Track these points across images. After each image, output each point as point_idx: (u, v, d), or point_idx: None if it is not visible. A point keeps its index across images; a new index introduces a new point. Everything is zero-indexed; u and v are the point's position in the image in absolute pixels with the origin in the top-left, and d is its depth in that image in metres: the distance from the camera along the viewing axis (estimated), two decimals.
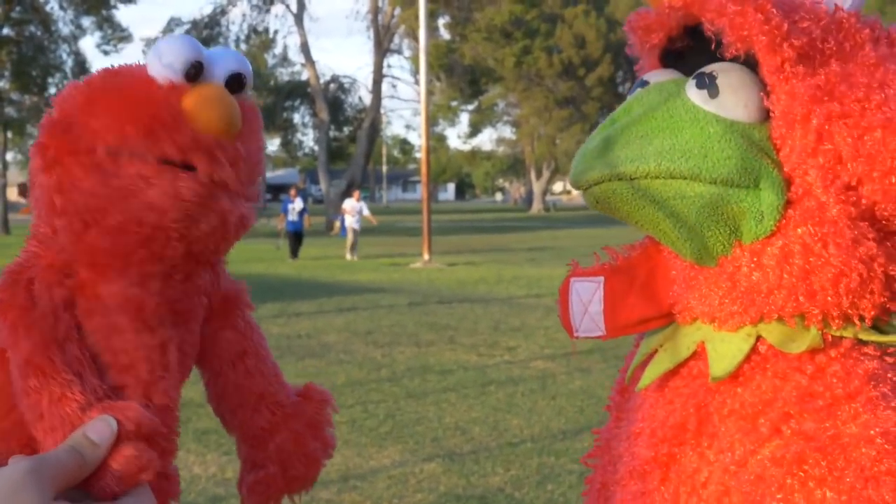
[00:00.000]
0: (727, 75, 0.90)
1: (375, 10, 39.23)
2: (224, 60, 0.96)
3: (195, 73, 0.93)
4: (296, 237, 22.91)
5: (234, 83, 0.97)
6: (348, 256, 22.98)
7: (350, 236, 23.40)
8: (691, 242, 0.90)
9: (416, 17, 25.72)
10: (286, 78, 60.87)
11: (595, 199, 0.94)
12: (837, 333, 0.87)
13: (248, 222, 0.99)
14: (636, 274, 1.01)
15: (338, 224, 25.68)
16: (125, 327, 0.93)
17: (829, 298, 0.84)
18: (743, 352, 0.89)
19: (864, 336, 0.87)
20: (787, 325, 0.88)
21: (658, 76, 0.98)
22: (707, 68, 0.91)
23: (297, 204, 23.36)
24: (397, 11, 39.43)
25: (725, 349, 0.90)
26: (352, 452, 5.84)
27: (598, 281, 1.02)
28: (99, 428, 0.83)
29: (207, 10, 42.90)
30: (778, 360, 0.87)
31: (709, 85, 0.90)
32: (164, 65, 0.92)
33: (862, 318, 0.86)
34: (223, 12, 40.31)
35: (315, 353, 9.38)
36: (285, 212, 23.49)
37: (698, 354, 0.94)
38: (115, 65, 0.98)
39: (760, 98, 0.88)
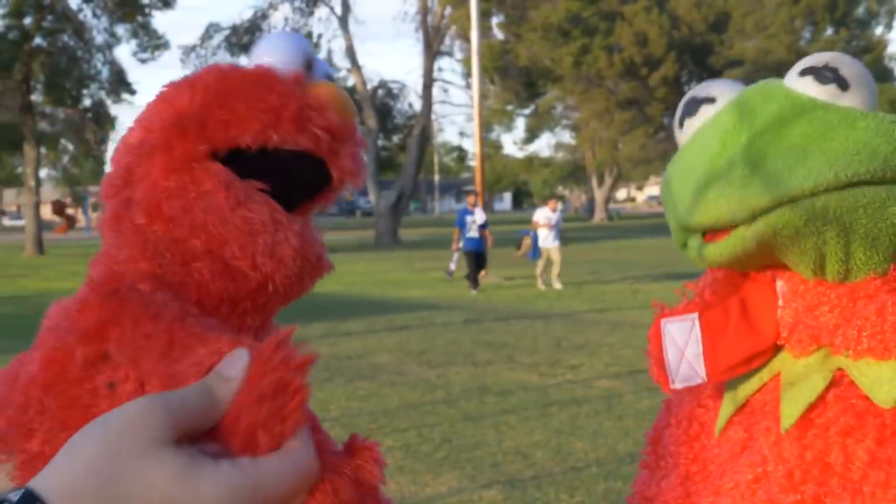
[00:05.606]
0: (844, 64, 0.85)
1: (424, 11, 39.40)
2: (322, 65, 0.94)
3: (308, 70, 0.91)
4: (476, 259, 17.90)
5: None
6: (541, 285, 18.17)
7: (555, 258, 18.29)
8: (848, 260, 0.84)
9: (468, 17, 25.86)
10: None
11: (772, 232, 0.82)
12: None
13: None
14: (729, 305, 0.92)
15: (528, 241, 20.04)
16: None
17: None
18: None
19: None
20: None
21: (712, 88, 0.94)
22: (808, 62, 0.86)
23: (478, 216, 18.31)
24: (448, 11, 39.60)
25: (881, 373, 0.82)
26: (406, 479, 5.86)
27: (692, 318, 0.92)
28: (230, 361, 0.73)
29: (247, 14, 43.34)
30: None
31: (835, 78, 0.84)
32: (281, 60, 0.89)
33: None
34: (264, 16, 40.71)
35: (366, 375, 9.43)
36: (462, 226, 18.41)
37: (835, 382, 0.86)
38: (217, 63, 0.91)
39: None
